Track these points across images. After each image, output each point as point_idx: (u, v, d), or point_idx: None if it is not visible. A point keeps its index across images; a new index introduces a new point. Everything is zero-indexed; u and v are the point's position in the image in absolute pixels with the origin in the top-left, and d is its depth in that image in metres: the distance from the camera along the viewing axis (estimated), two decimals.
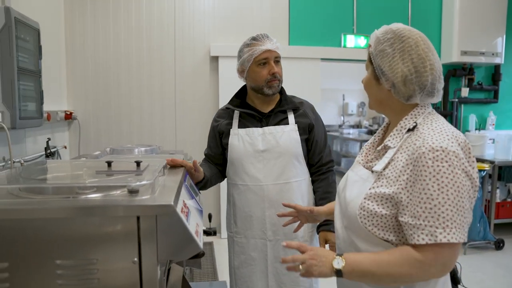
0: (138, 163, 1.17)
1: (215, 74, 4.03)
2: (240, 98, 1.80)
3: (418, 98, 1.03)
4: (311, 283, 1.74)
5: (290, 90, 2.14)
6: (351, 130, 8.15)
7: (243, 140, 1.69)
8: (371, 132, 8.26)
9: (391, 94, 1.05)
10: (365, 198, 1.02)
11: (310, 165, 1.77)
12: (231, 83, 3.95)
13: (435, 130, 0.97)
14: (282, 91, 1.74)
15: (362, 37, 4.29)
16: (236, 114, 1.74)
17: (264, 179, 1.67)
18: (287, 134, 1.67)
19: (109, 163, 1.15)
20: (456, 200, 0.90)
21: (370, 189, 1.02)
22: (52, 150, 2.85)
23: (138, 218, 0.90)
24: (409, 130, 1.03)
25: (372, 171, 1.05)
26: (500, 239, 3.80)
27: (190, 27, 3.96)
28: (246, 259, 1.73)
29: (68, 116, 3.38)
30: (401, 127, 1.05)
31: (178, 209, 0.93)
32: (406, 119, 1.05)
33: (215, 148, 1.80)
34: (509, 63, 4.58)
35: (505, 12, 4.39)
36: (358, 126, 8.87)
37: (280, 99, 1.74)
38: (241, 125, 1.71)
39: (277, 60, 1.67)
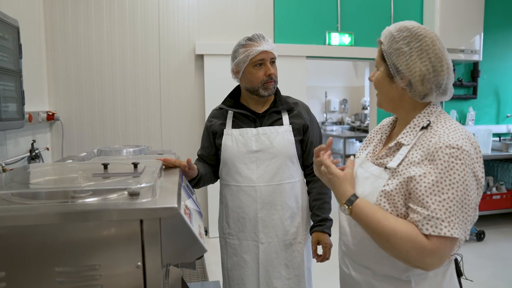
0: (135, 165, 1.15)
1: (200, 73, 3.99)
2: (233, 98, 1.77)
3: (434, 96, 1.03)
4: (304, 286, 1.72)
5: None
6: (334, 127, 8.25)
7: (236, 140, 1.66)
8: (353, 129, 8.39)
9: (404, 92, 1.05)
10: (381, 196, 1.02)
11: (304, 166, 1.75)
12: (216, 82, 3.96)
13: (449, 129, 0.98)
14: (276, 92, 1.72)
15: (346, 35, 4.33)
16: (230, 114, 1.72)
17: (257, 180, 1.65)
18: (281, 135, 1.65)
19: (105, 165, 1.12)
20: (463, 197, 0.92)
21: (384, 186, 1.02)
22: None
23: (141, 221, 0.88)
24: (422, 128, 1.04)
25: (386, 168, 1.05)
26: (481, 231, 3.93)
27: (174, 25, 3.91)
28: (238, 261, 1.71)
29: (50, 117, 3.28)
30: (415, 124, 1.06)
31: (182, 211, 0.91)
32: (419, 117, 1.06)
33: (209, 149, 1.77)
34: (486, 60, 4.72)
35: (483, 11, 4.52)
36: (340, 123, 9.00)
37: (275, 100, 1.72)
38: (235, 125, 1.69)
39: (272, 61, 1.65)
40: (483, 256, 3.55)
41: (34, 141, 2.72)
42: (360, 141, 7.28)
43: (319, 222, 1.69)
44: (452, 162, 0.92)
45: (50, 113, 3.29)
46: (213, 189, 3.87)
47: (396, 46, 1.03)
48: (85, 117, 3.72)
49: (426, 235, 0.92)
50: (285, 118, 1.68)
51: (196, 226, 0.98)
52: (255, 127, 1.67)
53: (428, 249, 0.91)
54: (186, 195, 1.15)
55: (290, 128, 1.67)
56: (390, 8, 4.49)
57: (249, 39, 1.63)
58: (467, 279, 1.12)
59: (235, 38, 3.82)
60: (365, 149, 1.24)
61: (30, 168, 1.29)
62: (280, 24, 4.16)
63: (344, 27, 4.35)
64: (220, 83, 4.07)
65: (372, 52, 4.44)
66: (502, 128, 4.98)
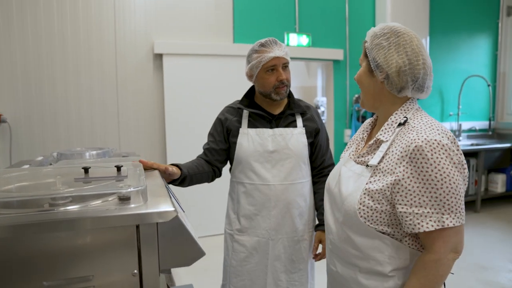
0: (118, 168, 1.09)
1: (159, 72, 3.88)
2: (248, 98, 1.79)
3: (410, 90, 1.07)
4: (306, 279, 1.78)
5: (236, 88, 2.09)
6: None
7: (252, 140, 1.69)
8: None
9: (383, 87, 1.09)
10: (364, 194, 1.04)
11: (312, 167, 1.82)
12: (176, 82, 3.87)
13: (426, 125, 1.02)
14: (290, 95, 1.77)
15: (304, 36, 4.43)
16: (245, 113, 1.74)
17: (272, 179, 1.69)
18: (296, 137, 1.70)
19: (85, 169, 1.05)
20: (457, 188, 0.97)
21: (367, 183, 1.05)
22: None
23: (137, 227, 0.84)
24: (400, 124, 1.07)
25: (367, 165, 1.08)
26: None
27: (131, 23, 3.76)
28: (247, 257, 1.74)
29: None
30: (392, 121, 1.09)
31: (179, 214, 0.88)
32: (396, 113, 1.10)
33: (222, 143, 1.76)
34: (432, 62, 5.05)
35: (428, 17, 4.85)
36: None
37: (289, 102, 1.76)
38: (251, 125, 1.72)
39: (285, 66, 1.68)
40: None
41: None
42: None
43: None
44: (437, 157, 0.96)
45: None
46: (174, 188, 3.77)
47: (376, 42, 1.09)
48: (35, 118, 3.47)
49: (428, 233, 0.97)
50: (299, 120, 1.74)
51: (191, 229, 0.95)
52: (271, 127, 1.71)
53: (440, 256, 0.97)
54: (173, 197, 1.12)
55: (303, 130, 1.73)
56: (344, 10, 4.67)
57: (262, 44, 1.66)
58: (450, 272, 1.19)
59: (195, 38, 3.79)
60: (350, 149, 1.28)
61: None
62: (239, 24, 4.15)
63: (302, 28, 4.45)
64: (180, 83, 3.99)
65: (329, 53, 4.58)
66: (446, 126, 5.36)
